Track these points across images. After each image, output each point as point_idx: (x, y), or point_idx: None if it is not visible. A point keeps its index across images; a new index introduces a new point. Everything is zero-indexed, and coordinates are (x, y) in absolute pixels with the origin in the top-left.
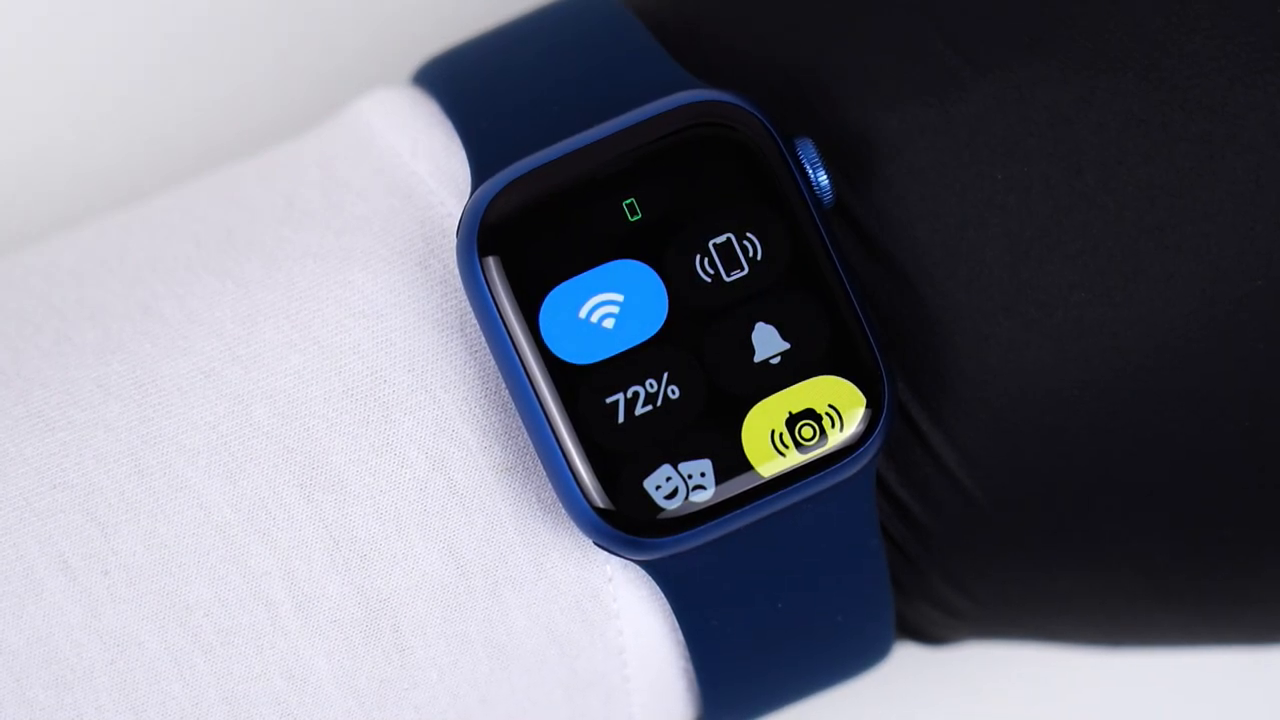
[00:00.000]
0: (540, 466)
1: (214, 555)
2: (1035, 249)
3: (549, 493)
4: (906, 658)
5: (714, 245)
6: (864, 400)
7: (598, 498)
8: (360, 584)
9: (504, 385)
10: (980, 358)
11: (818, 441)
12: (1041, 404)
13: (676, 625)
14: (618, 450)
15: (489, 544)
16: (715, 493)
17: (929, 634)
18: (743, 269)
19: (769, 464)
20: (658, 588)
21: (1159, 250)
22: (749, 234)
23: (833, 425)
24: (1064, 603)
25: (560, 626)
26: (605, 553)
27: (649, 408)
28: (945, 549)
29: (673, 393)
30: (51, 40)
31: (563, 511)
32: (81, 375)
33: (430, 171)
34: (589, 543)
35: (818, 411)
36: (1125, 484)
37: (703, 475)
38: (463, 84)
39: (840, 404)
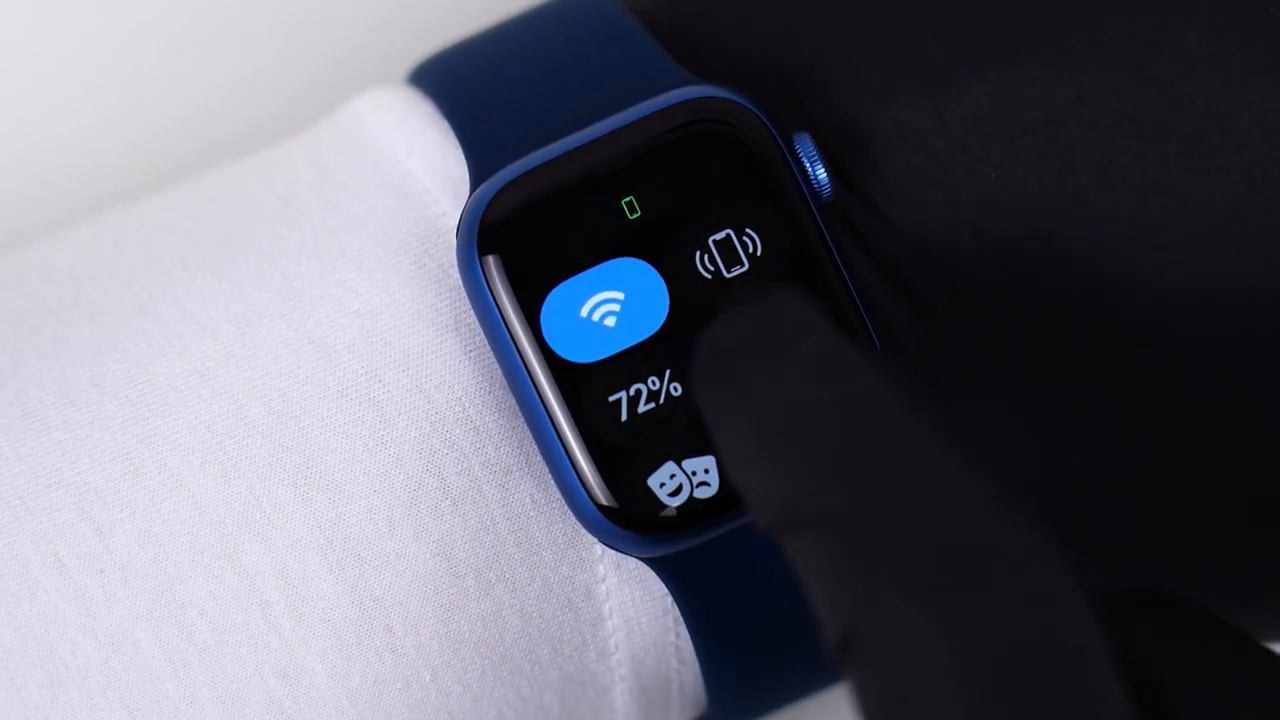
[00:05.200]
0: (533, 466)
1: (208, 554)
2: (1029, 248)
3: (542, 493)
4: None
5: (714, 242)
6: None
7: (602, 496)
8: (354, 583)
9: (499, 385)
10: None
11: None
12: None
13: (669, 626)
14: (621, 448)
15: (482, 544)
16: (719, 489)
17: None
18: (743, 265)
19: None
20: (650, 588)
21: (1154, 249)
22: (749, 230)
23: None
24: None
25: (552, 627)
26: (598, 554)
27: (651, 405)
28: None
29: (675, 390)
30: (47, 41)
31: (555, 512)
32: (77, 375)
33: (426, 171)
34: (582, 544)
35: None
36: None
37: (706, 472)
38: (458, 83)
39: None
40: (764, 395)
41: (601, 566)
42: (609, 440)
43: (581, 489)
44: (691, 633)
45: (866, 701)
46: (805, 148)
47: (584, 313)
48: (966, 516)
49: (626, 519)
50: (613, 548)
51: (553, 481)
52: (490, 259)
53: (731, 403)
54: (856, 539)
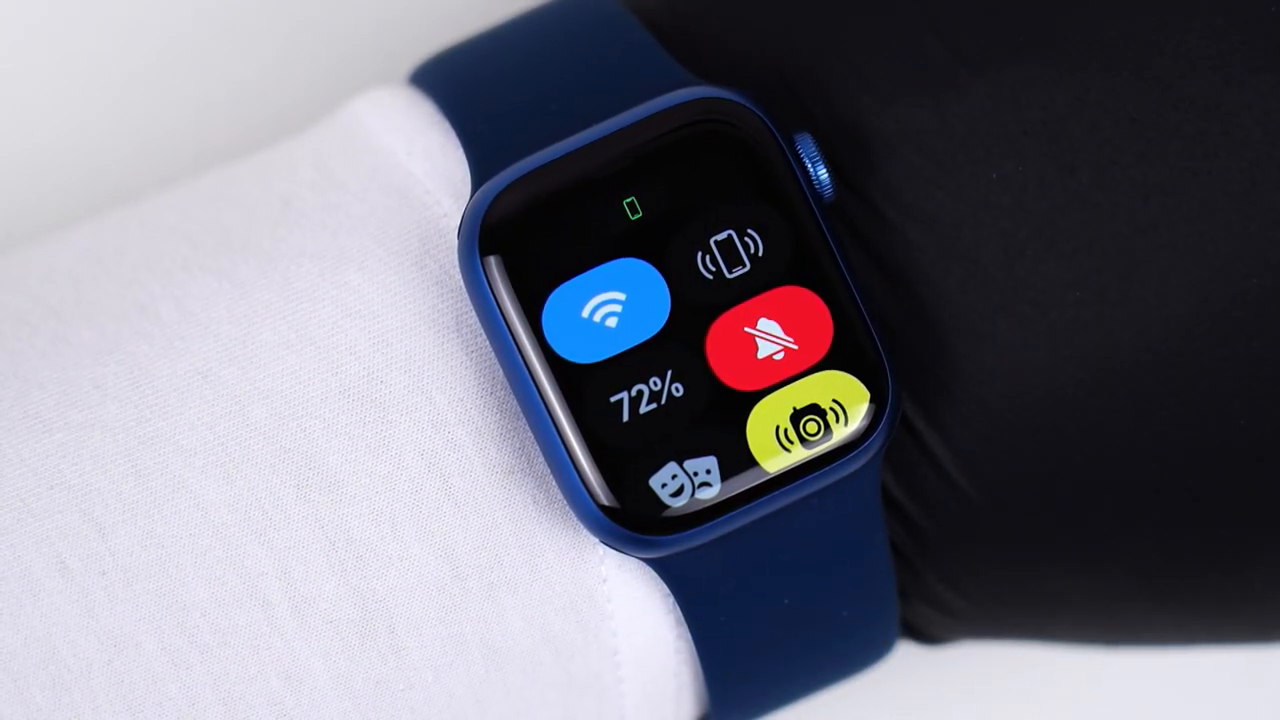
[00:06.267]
0: (535, 467)
1: (211, 556)
2: (1030, 248)
3: (544, 494)
4: (902, 657)
5: (715, 242)
6: (868, 395)
7: (604, 496)
8: (356, 585)
9: (500, 386)
10: (976, 358)
11: (822, 436)
12: (1038, 404)
13: (671, 626)
14: (623, 449)
15: (484, 546)
16: (721, 489)
17: (925, 633)
18: (744, 265)
19: (774, 460)
20: (652, 589)
21: (1153, 249)
22: (750, 230)
23: (837, 420)
24: (1060, 603)
25: (555, 628)
26: (600, 555)
27: (653, 406)
28: (941, 550)
29: (676, 390)
30: (49, 41)
31: (558, 513)
32: (78, 376)
33: (426, 172)
34: (584, 544)
35: (822, 406)
36: (1121, 483)
37: (708, 472)
38: (460, 84)
39: (844, 399)
40: None
41: (604, 568)
42: (610, 441)
43: (583, 489)
44: (693, 634)
45: None
46: (806, 148)
47: (585, 313)
48: None
49: (628, 519)
50: (614, 548)
51: (555, 482)
52: (492, 260)
53: None
54: None
